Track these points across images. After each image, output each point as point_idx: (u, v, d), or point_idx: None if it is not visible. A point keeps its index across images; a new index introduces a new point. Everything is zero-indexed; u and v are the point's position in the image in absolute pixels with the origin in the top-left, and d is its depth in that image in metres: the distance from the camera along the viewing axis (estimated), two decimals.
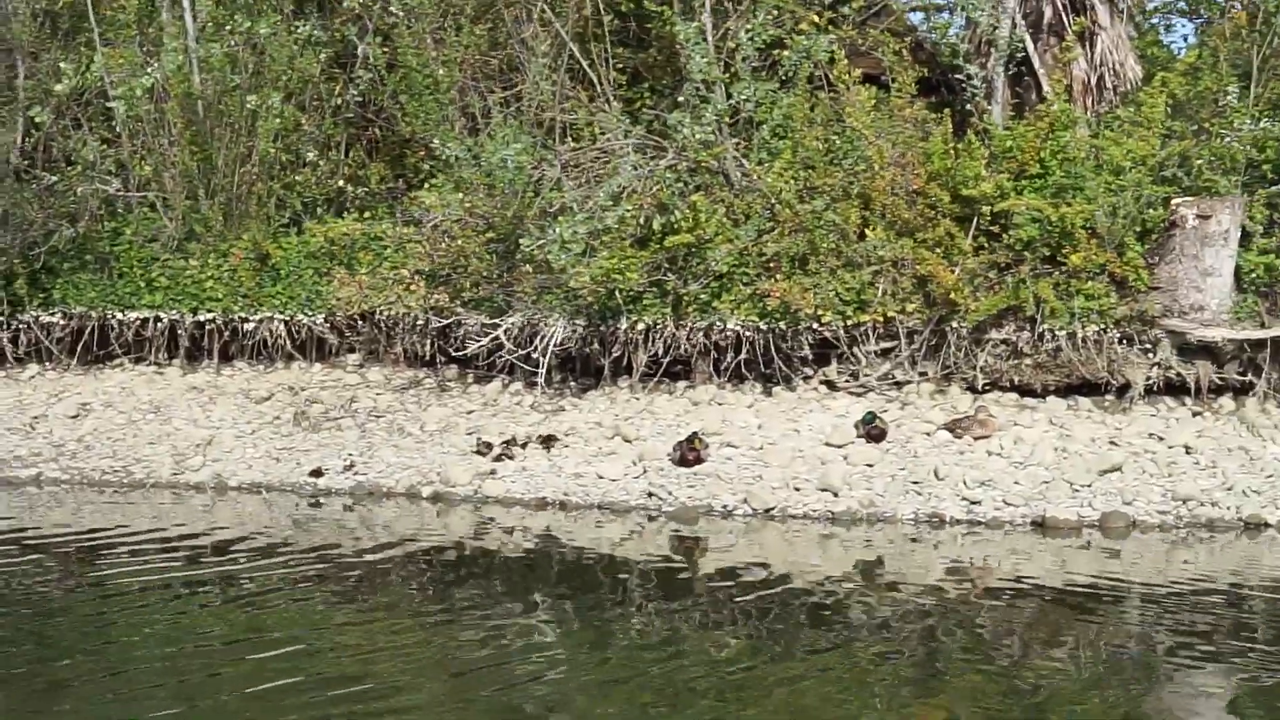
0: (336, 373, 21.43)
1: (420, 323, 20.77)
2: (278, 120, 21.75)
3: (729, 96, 19.90)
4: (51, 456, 19.18)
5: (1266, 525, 15.54)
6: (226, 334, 21.88)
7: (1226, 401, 18.36)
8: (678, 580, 13.89)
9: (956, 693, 10.40)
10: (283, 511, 16.98)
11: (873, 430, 17.57)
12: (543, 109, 21.23)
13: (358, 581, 13.59)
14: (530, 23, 21.49)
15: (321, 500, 17.45)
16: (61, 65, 22.29)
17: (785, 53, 20.14)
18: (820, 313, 18.62)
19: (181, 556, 14.55)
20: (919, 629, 12.08)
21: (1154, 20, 25.45)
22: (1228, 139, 18.99)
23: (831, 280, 18.71)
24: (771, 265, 18.97)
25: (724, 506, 16.41)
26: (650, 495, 16.80)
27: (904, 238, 18.70)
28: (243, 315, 21.65)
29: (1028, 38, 21.07)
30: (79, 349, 22.22)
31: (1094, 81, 21.15)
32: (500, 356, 20.05)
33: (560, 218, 19.08)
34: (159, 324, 21.96)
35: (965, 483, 16.39)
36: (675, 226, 18.89)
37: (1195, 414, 18.16)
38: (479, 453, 18.08)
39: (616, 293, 19.07)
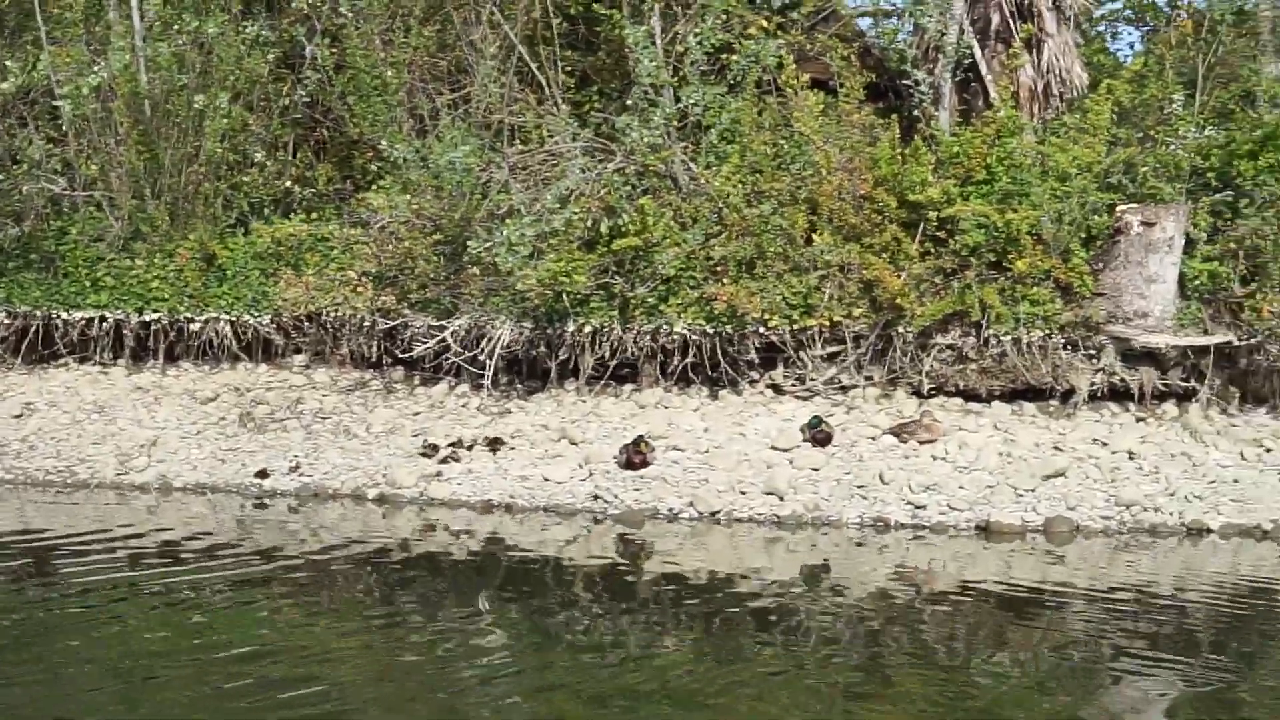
0: (282, 374, 21.38)
1: (367, 324, 20.75)
2: (225, 120, 21.69)
3: (677, 100, 19.94)
4: None
5: (1209, 530, 15.64)
6: (172, 334, 21.82)
7: (1170, 407, 18.48)
8: (623, 584, 13.88)
9: (901, 696, 10.43)
10: (228, 513, 16.91)
11: (818, 434, 17.61)
12: (491, 111, 21.23)
13: (303, 584, 13.55)
14: (479, 25, 21.51)
15: (267, 502, 17.40)
16: (7, 64, 22.17)
17: (734, 57, 20.20)
18: (767, 317, 18.67)
19: (125, 557, 14.47)
20: (864, 633, 12.12)
21: (1100, 28, 25.69)
22: (1173, 146, 19.13)
23: (778, 284, 18.75)
24: (719, 269, 19.00)
25: (670, 510, 16.42)
26: (596, 498, 16.79)
27: (851, 242, 18.76)
28: (188, 315, 21.59)
29: (975, 44, 21.18)
30: (23, 348, 22.14)
31: (1041, 88, 21.28)
32: (447, 358, 20.03)
33: (508, 220, 19.08)
34: (104, 324, 21.91)
35: (910, 487, 16.44)
36: (623, 230, 18.92)
37: (1139, 420, 18.28)
38: (425, 455, 18.06)
39: (564, 295, 19.08)
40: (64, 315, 21.91)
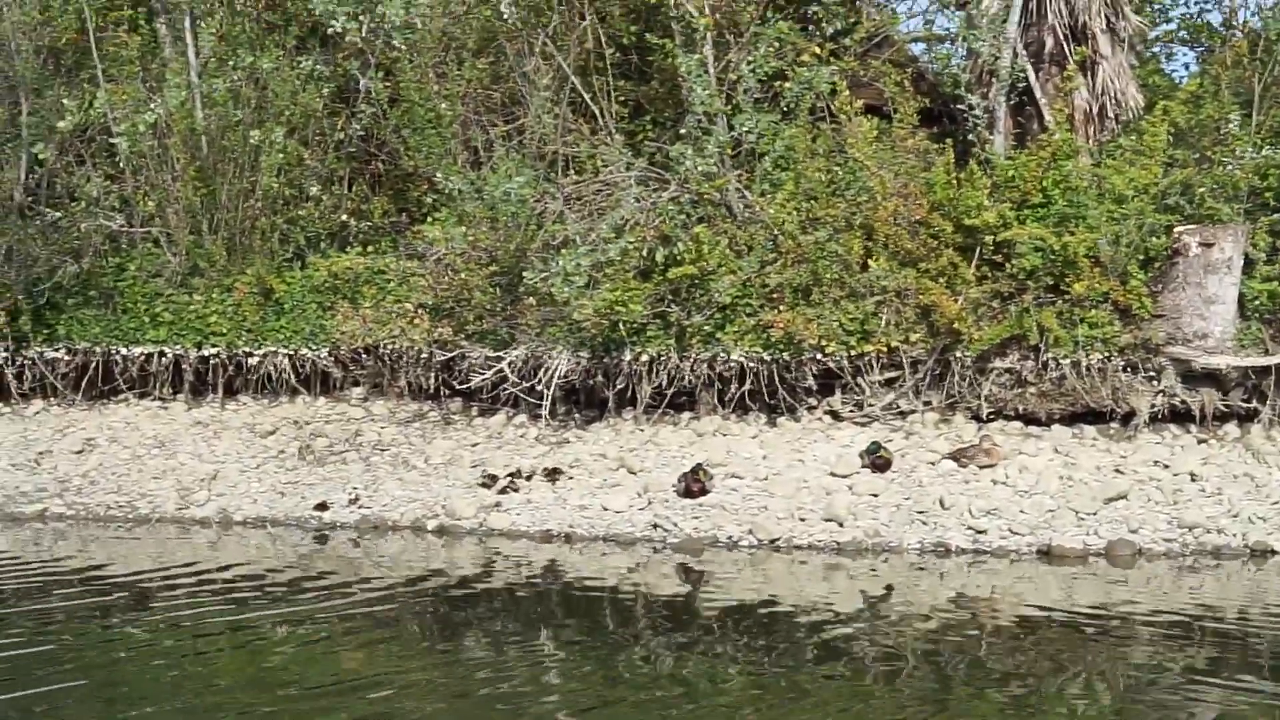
0: (341, 406, 21.42)
1: (424, 356, 20.77)
2: (281, 155, 21.77)
3: (731, 128, 19.94)
4: (56, 492, 19.20)
5: (1273, 552, 15.53)
6: (231, 368, 21.88)
7: (1231, 428, 18.37)
8: (685, 613, 13.87)
9: None
10: (288, 546, 16.96)
11: (877, 460, 17.57)
12: (545, 142, 21.23)
13: (365, 617, 13.55)
14: (532, 56, 21.51)
15: (327, 534, 17.44)
16: (65, 102, 22.29)
17: (787, 84, 20.16)
18: (824, 343, 18.63)
19: (186, 592, 14.53)
20: (928, 661, 12.06)
21: (1155, 49, 25.53)
22: (1230, 167, 19.02)
23: (835, 311, 18.72)
24: (775, 296, 18.98)
25: (729, 538, 16.40)
26: (655, 527, 16.78)
27: (907, 268, 18.72)
28: (247, 350, 21.65)
29: (1029, 67, 21.09)
30: (84, 384, 22.19)
31: (1096, 111, 21.16)
32: (504, 389, 20.04)
33: (563, 250, 19.11)
34: (163, 359, 21.95)
35: (971, 512, 16.38)
36: (678, 258, 18.93)
37: (1200, 441, 18.17)
38: (484, 485, 18.08)
39: (620, 324, 19.08)
40: (123, 351, 21.99)
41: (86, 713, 10.49)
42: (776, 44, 20.26)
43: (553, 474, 18.18)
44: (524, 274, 19.40)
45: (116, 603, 14.09)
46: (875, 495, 17.02)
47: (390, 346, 20.93)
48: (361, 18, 21.45)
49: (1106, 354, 18.32)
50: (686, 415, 19.56)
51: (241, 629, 13.10)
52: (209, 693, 11.00)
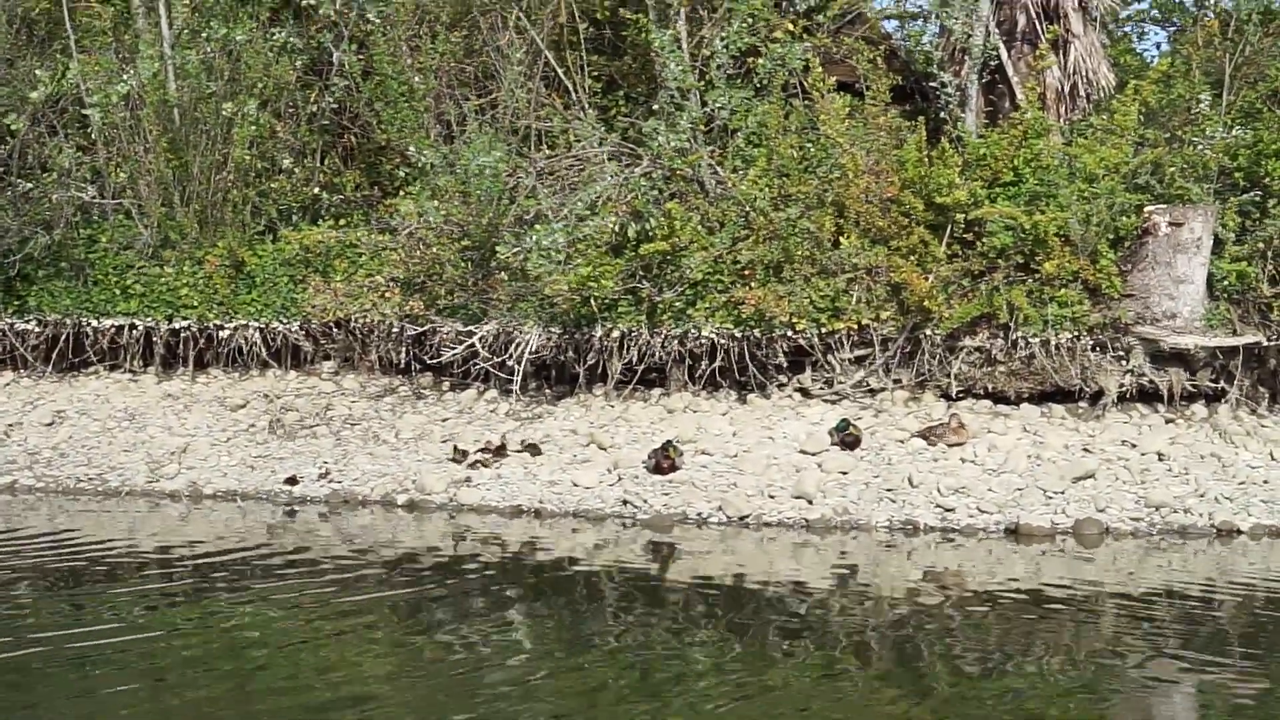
0: (311, 380, 21.40)
1: (395, 330, 20.77)
2: (253, 127, 21.74)
3: (704, 104, 19.98)
4: (26, 464, 19.18)
5: (1239, 532, 15.64)
6: (201, 341, 21.85)
7: (1199, 409, 18.46)
8: (653, 589, 13.90)
9: (932, 698, 10.44)
10: (258, 520, 16.95)
11: (847, 438, 17.62)
12: (518, 116, 21.27)
13: (333, 590, 13.56)
14: (505, 30, 21.53)
15: (297, 508, 17.44)
16: (37, 72, 22.22)
17: (760, 60, 20.21)
18: (795, 320, 18.66)
19: (156, 564, 14.55)
20: (894, 636, 12.12)
21: (1127, 28, 25.60)
22: (1200, 147, 19.09)
23: (806, 288, 18.75)
24: (746, 273, 19.00)
25: (699, 514, 16.44)
26: (625, 503, 16.81)
27: (878, 245, 18.76)
28: (218, 323, 21.62)
29: (1001, 46, 21.15)
30: (54, 356, 22.15)
31: (1067, 89, 21.23)
32: (475, 364, 20.05)
33: (537, 225, 19.12)
34: (134, 331, 21.92)
35: (939, 490, 16.45)
36: (650, 234, 18.93)
37: (1168, 421, 18.26)
38: (454, 460, 18.09)
39: (591, 300, 19.10)
40: (94, 323, 21.95)
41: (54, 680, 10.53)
42: (750, 20, 20.29)
43: (533, 449, 18.17)
44: (496, 249, 19.42)
45: (86, 574, 14.09)
46: (845, 473, 17.07)
47: (361, 320, 20.93)
48: None
49: (1076, 333, 18.39)
50: (657, 392, 19.58)
51: (206, 603, 13.12)
52: (171, 666, 11.06)
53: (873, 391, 18.97)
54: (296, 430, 19.67)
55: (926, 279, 18.45)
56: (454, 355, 20.10)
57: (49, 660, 11.06)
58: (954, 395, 18.77)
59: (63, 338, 22.07)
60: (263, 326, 21.56)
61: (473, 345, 19.93)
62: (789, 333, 18.83)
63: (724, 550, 15.39)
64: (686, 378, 19.49)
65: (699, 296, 19.14)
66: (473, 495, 17.27)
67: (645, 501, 16.75)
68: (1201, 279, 18.36)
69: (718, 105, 19.88)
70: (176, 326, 21.75)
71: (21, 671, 10.76)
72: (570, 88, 21.15)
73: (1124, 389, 18.47)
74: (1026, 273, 18.50)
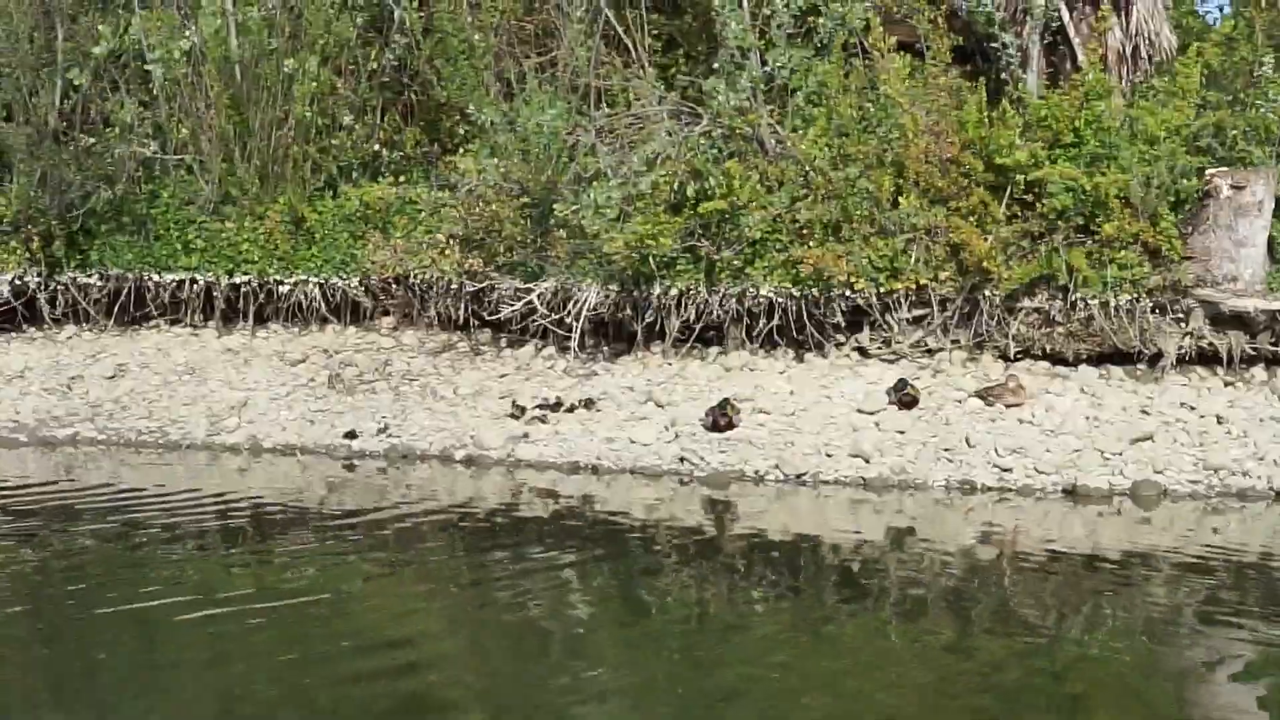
0: (371, 336, 21.50)
1: (454, 287, 20.80)
2: (314, 84, 21.79)
3: (764, 63, 19.92)
4: (88, 417, 19.31)
5: None
6: (262, 296, 21.96)
7: (1259, 372, 18.34)
8: (710, 546, 13.98)
9: (987, 656, 10.48)
10: (317, 474, 17.09)
11: (905, 397, 17.61)
12: (578, 74, 21.24)
13: (391, 543, 13.70)
14: None
15: (356, 463, 17.55)
16: (100, 28, 22.32)
17: (820, 19, 20.14)
18: (853, 280, 18.63)
19: (216, 517, 14.71)
20: (951, 597, 12.17)
21: None
22: (1263, 110, 18.97)
23: (865, 247, 18.71)
24: (805, 232, 18.98)
25: (756, 472, 16.46)
26: (682, 460, 16.85)
27: (937, 206, 18.70)
28: (278, 278, 21.73)
29: (1063, 6, 21.01)
30: (116, 310, 22.32)
31: (1129, 51, 21.10)
32: (533, 321, 20.10)
33: (594, 183, 19.14)
34: (195, 286, 22.05)
35: (997, 450, 16.42)
36: (709, 193, 18.92)
37: (1227, 384, 18.16)
38: (513, 416, 18.16)
39: (650, 258, 19.10)
40: (155, 278, 22.09)
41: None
42: None
43: (589, 404, 18.23)
44: (555, 206, 19.45)
45: (147, 525, 14.24)
46: (902, 432, 17.07)
47: (420, 277, 20.97)
48: None
49: (1135, 295, 18.30)
50: (714, 350, 19.58)
51: (265, 551, 13.27)
52: (229, 617, 11.19)
53: (930, 352, 18.94)
54: (355, 385, 19.76)
55: (986, 240, 18.39)
56: (512, 312, 20.14)
57: (107, 613, 11.22)
58: (1012, 356, 18.72)
59: (124, 292, 22.21)
60: (322, 282, 21.65)
61: (531, 302, 19.98)
62: (847, 292, 18.80)
63: (780, 508, 15.44)
64: (744, 336, 19.48)
65: (757, 255, 19.12)
66: (530, 451, 17.33)
67: (702, 459, 16.78)
68: (1263, 242, 18.26)
69: (778, 64, 19.82)
70: (237, 281, 21.86)
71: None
72: (630, 46, 21.12)
73: (1183, 351, 18.37)
74: (1086, 234, 18.41)
